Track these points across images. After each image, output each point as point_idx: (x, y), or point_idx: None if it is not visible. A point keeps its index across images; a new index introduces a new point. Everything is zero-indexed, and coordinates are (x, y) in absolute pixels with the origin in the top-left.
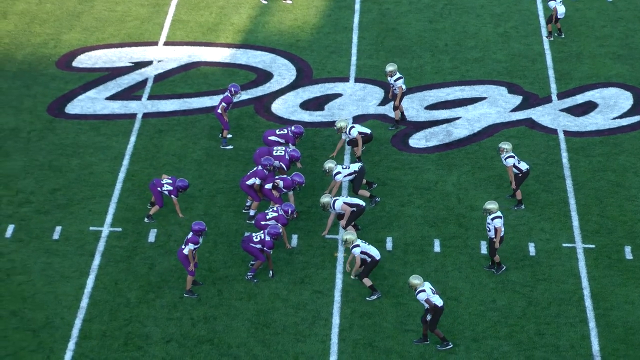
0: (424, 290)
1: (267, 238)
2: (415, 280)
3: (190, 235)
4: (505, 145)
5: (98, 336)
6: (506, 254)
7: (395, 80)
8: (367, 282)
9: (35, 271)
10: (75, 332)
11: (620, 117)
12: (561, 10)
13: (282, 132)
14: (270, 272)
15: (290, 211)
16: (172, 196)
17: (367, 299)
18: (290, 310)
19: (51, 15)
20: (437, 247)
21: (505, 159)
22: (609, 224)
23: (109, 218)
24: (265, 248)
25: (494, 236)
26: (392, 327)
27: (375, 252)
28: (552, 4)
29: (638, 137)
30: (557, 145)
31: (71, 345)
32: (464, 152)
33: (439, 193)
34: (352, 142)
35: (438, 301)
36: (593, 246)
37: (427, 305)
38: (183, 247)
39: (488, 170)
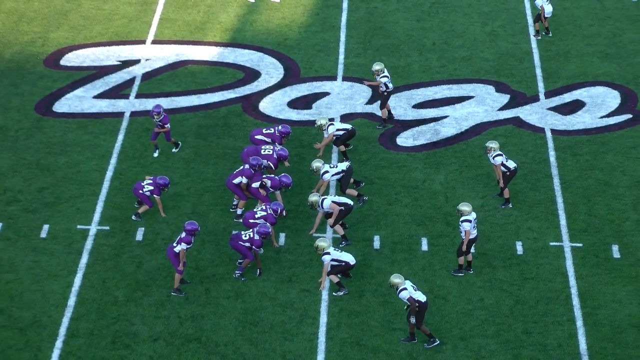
0: (405, 289)
1: (256, 237)
2: (396, 279)
3: (183, 234)
4: (492, 144)
5: (85, 335)
6: (494, 253)
7: (380, 78)
8: (334, 279)
9: (23, 269)
10: (62, 330)
11: (608, 115)
12: (548, 9)
13: (268, 131)
14: (258, 270)
15: (279, 210)
16: (155, 196)
17: (334, 294)
18: (278, 308)
19: (39, 14)
20: (424, 246)
21: (493, 158)
22: (597, 222)
23: (96, 216)
24: (254, 247)
25: (463, 237)
26: (380, 326)
27: (349, 258)
28: (538, 3)
29: (625, 135)
30: (544, 144)
31: (59, 343)
32: (451, 150)
33: (426, 192)
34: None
35: (421, 297)
36: (580, 245)
37: (409, 304)
38: (174, 245)
39: (475, 169)
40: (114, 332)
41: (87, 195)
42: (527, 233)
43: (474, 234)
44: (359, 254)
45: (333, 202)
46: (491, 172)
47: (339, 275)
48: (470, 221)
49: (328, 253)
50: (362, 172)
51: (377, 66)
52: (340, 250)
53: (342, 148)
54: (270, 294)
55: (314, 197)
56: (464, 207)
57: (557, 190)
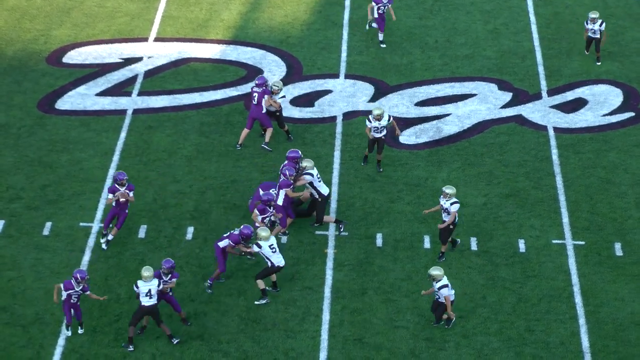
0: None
1: (235, 232)
2: (146, 273)
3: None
4: (450, 190)
5: (88, 332)
6: (496, 251)
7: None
8: (261, 284)
9: (26, 267)
10: (65, 327)
11: (610, 114)
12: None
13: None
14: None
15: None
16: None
17: (256, 302)
18: (281, 306)
19: (41, 11)
20: (427, 244)
21: (451, 204)
22: (599, 220)
23: (99, 214)
24: (230, 241)
25: (443, 301)
26: (382, 324)
27: (277, 260)
28: (595, 28)
29: (628, 133)
30: (547, 142)
31: (61, 341)
32: (454, 148)
33: (428, 189)
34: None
35: (147, 302)
36: (583, 243)
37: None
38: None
39: (478, 166)
40: (116, 329)
41: (90, 192)
42: (529, 231)
43: (452, 295)
44: (362, 251)
45: (312, 186)
46: (494, 170)
47: (272, 281)
48: (448, 285)
49: (259, 246)
50: (365, 169)
51: (377, 111)
52: (276, 251)
53: (286, 127)
54: (273, 292)
55: (307, 163)
56: (435, 271)
57: (560, 188)
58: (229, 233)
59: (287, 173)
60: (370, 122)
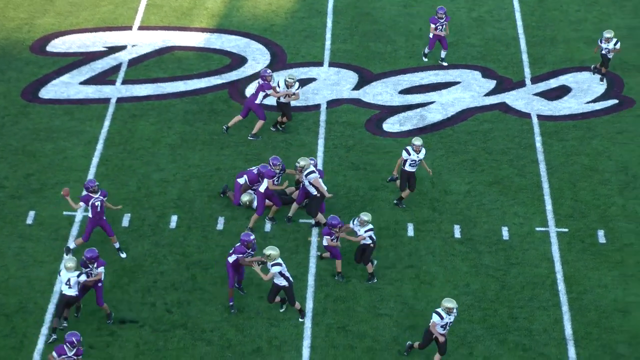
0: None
1: (237, 244)
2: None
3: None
4: (366, 217)
5: (71, 320)
6: (479, 238)
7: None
8: (298, 306)
9: (9, 256)
10: (48, 317)
11: (594, 101)
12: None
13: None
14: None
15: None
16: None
17: (280, 310)
18: (264, 294)
19: (25, 0)
20: (410, 232)
21: (365, 231)
22: (582, 207)
23: (82, 203)
24: (236, 255)
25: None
26: (366, 312)
27: (290, 277)
28: (608, 47)
29: (611, 121)
30: (530, 130)
31: (44, 330)
32: (437, 136)
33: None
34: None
35: (69, 293)
36: (566, 230)
37: None
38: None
39: (462, 154)
40: (99, 318)
41: (73, 181)
42: (513, 218)
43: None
44: (345, 239)
45: (319, 180)
46: (477, 157)
47: (281, 298)
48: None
49: (280, 264)
50: (349, 157)
51: (418, 142)
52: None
53: (280, 119)
54: (256, 280)
55: (304, 162)
56: (450, 303)
57: (543, 176)
58: (233, 248)
59: (271, 162)
60: (409, 154)
